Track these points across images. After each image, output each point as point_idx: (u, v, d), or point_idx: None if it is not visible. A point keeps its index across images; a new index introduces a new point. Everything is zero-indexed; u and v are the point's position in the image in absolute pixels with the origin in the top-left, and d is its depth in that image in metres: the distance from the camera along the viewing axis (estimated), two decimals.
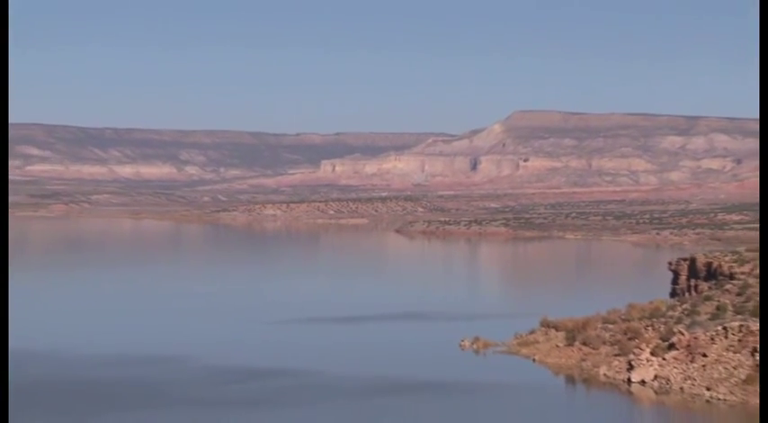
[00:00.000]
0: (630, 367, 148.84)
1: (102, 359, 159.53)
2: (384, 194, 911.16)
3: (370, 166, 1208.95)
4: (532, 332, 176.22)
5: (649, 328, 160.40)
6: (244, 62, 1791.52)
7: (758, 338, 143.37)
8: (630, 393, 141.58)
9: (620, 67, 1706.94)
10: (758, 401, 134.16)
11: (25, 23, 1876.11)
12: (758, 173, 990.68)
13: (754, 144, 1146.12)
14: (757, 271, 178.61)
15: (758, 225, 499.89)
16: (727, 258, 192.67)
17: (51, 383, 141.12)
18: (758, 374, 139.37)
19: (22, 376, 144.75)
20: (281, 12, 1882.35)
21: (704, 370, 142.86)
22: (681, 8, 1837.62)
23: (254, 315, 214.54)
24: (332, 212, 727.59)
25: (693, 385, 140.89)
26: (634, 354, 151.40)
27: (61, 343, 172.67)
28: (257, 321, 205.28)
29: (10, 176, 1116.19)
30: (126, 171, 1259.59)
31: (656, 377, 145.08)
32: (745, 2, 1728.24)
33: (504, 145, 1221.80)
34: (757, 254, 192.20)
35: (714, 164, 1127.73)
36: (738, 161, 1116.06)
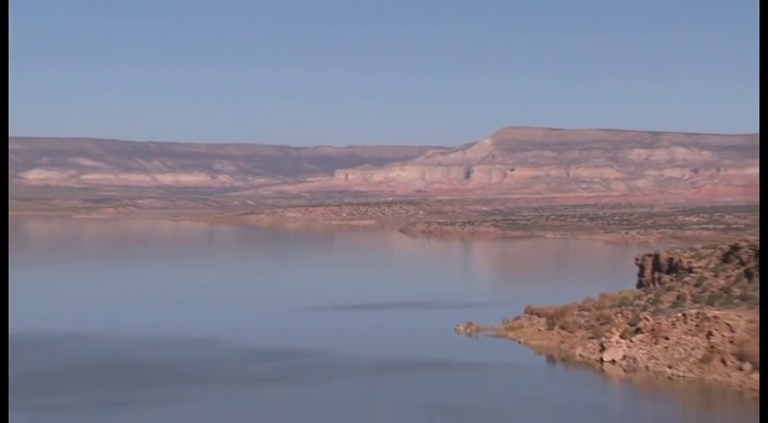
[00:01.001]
0: (602, 348, 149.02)
1: (148, 341, 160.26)
2: (390, 199, 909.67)
3: (378, 175, 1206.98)
4: (518, 318, 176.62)
5: (619, 314, 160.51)
6: (268, 83, 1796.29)
7: (715, 324, 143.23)
8: (602, 371, 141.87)
9: (594, 88, 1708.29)
10: (712, 378, 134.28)
11: (78, 47, 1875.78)
12: (713, 181, 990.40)
13: (709, 156, 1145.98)
14: (712, 265, 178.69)
15: (711, 226, 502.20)
16: (686, 254, 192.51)
17: (106, 362, 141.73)
18: (714, 356, 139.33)
19: (81, 356, 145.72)
20: (302, 40, 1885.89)
21: (666, 351, 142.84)
22: (646, 38, 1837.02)
23: (278, 303, 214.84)
24: (344, 215, 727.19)
25: (657, 364, 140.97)
26: (605, 337, 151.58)
27: (113, 327, 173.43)
28: (281, 309, 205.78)
29: (67, 184, 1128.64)
30: (167, 179, 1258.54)
31: (624, 357, 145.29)
32: (706, 28, 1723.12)
33: (493, 156, 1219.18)
34: (713, 250, 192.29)
35: (674, 173, 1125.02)
36: (695, 171, 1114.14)
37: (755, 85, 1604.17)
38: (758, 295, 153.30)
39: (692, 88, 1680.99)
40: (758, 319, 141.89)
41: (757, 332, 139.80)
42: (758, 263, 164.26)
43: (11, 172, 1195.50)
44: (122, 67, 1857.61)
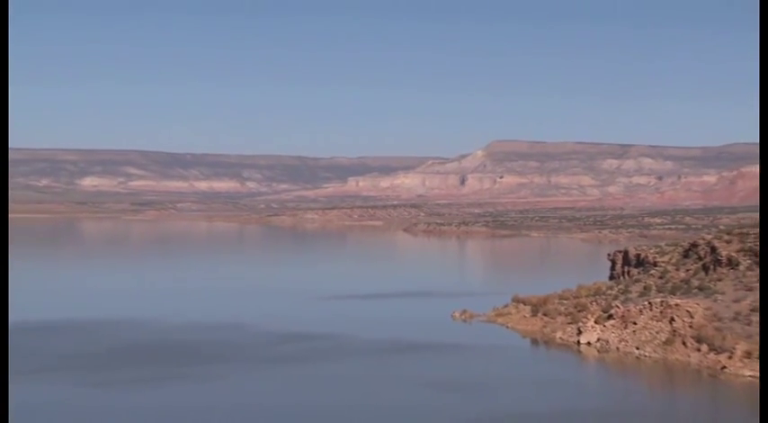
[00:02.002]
0: (579, 332, 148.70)
1: (184, 326, 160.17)
2: (395, 203, 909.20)
3: (385, 182, 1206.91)
4: (506, 306, 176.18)
5: (593, 303, 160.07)
6: (290, 101, 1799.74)
7: (677, 311, 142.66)
8: (579, 352, 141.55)
9: (572, 107, 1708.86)
10: (674, 358, 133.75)
11: (125, 68, 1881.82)
12: (674, 187, 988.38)
13: (671, 166, 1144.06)
14: (674, 260, 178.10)
15: (673, 226, 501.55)
16: (651, 251, 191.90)
17: (149, 344, 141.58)
18: (676, 339, 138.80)
19: (127, 339, 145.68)
20: (319, 63, 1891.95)
21: (634, 334, 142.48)
22: (617, 62, 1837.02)
23: (298, 293, 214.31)
24: (356, 216, 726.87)
25: (626, 346, 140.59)
26: (582, 322, 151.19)
27: (155, 314, 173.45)
28: (301, 298, 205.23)
29: (116, 189, 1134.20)
30: (202, 185, 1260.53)
31: (598, 340, 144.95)
32: (669, 53, 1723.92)
33: (485, 166, 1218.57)
34: (675, 247, 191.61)
35: (641, 180, 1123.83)
36: (660, 178, 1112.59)
37: (711, 102, 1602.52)
38: (714, 286, 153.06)
39: (657, 106, 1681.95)
40: (712, 306, 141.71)
41: (714, 319, 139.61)
42: (713, 258, 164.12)
43: (68, 179, 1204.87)
44: (163, 87, 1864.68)
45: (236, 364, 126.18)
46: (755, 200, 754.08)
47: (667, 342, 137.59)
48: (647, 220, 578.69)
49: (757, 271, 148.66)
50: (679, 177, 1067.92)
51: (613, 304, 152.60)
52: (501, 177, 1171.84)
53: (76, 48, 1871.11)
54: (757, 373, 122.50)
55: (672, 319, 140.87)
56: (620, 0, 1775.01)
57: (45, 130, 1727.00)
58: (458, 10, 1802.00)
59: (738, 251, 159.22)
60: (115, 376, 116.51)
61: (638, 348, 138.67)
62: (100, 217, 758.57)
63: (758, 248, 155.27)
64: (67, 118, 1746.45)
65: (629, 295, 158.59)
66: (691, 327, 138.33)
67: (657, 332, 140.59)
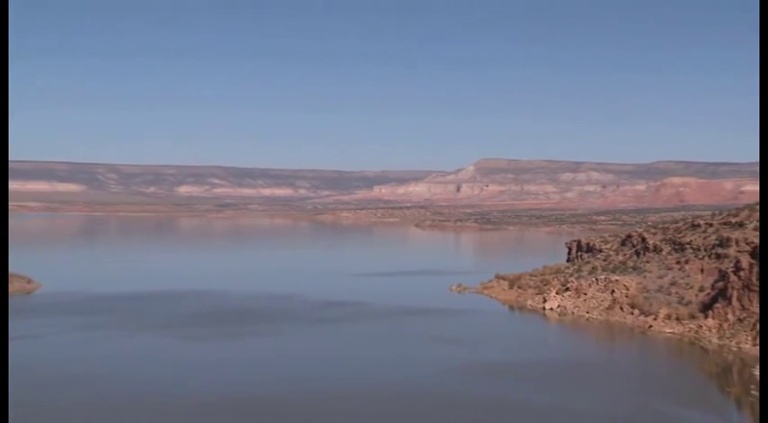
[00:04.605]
0: (544, 300, 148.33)
1: (252, 295, 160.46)
2: (408, 205, 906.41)
3: (401, 189, 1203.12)
4: (490, 281, 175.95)
5: (555, 279, 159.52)
6: (330, 128, 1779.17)
7: (616, 285, 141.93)
8: (544, 315, 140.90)
9: (540, 132, 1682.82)
10: (615, 319, 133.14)
11: (204, 93, 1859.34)
12: (614, 193, 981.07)
13: (612, 177, 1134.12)
14: (614, 247, 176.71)
15: (613, 222, 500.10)
16: (598, 240, 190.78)
17: (226, 309, 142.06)
18: (615, 305, 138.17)
19: (209, 306, 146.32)
20: (352, 95, 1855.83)
21: (585, 302, 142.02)
22: (572, 94, 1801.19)
23: (335, 271, 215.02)
24: (379, 215, 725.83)
25: (579, 310, 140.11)
26: (546, 293, 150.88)
27: (230, 287, 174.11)
28: (338, 275, 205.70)
29: (204, 195, 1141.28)
30: (266, 192, 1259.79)
31: (558, 306, 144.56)
32: (610, 83, 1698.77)
33: (475, 178, 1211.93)
34: (615, 238, 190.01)
35: (590, 188, 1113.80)
36: (604, 187, 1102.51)
37: (641, 128, 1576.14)
38: (644, 266, 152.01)
39: (602, 132, 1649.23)
40: (642, 281, 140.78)
41: (644, 291, 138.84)
42: (643, 246, 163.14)
43: (169, 187, 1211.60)
44: (238, 111, 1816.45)
45: (291, 323, 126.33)
46: (674, 203, 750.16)
47: (609, 308, 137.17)
48: (594, 217, 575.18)
49: (676, 255, 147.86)
50: (618, 186, 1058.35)
51: (569, 280, 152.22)
52: (487, 186, 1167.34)
53: (164, 86, 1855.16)
54: (676, 331, 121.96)
55: (613, 291, 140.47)
56: (575, 49, 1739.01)
57: (152, 150, 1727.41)
58: (450, 58, 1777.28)
59: (662, 240, 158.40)
60: (201, 332, 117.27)
61: (587, 312, 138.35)
62: (191, 215, 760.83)
63: (677, 238, 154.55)
64: (168, 140, 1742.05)
65: (581, 273, 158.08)
66: (626, 297, 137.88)
67: (602, 301, 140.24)
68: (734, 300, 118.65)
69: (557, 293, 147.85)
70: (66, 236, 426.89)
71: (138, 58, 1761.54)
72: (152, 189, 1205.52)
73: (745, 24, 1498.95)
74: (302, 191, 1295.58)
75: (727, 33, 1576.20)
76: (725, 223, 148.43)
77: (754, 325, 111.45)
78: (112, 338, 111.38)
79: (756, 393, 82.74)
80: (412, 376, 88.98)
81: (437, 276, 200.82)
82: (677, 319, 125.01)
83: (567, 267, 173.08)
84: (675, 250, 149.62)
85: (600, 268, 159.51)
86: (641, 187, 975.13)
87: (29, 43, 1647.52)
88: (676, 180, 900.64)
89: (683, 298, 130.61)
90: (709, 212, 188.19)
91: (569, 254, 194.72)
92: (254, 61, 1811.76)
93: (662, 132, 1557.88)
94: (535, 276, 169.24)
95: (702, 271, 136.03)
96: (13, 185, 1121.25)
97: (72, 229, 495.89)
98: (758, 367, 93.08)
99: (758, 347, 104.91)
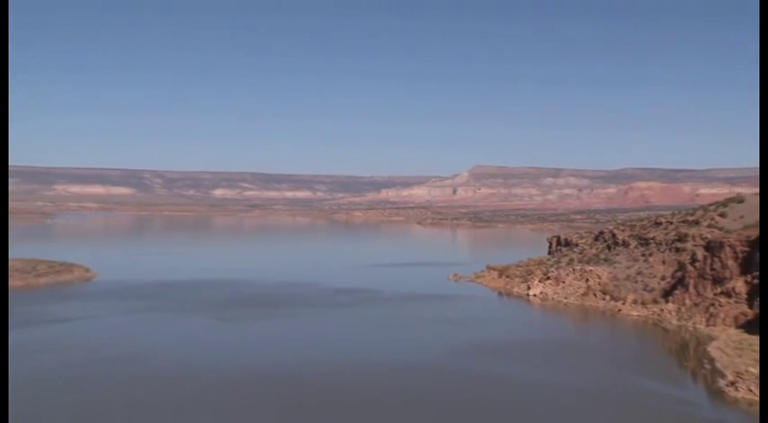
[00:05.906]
0: (529, 288, 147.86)
1: (276, 284, 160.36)
2: (411, 206, 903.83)
3: (405, 192, 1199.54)
4: (482, 271, 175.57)
5: (537, 269, 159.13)
6: (344, 137, 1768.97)
7: (590, 274, 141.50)
8: (529, 300, 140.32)
9: (525, 142, 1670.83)
10: (589, 304, 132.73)
11: (234, 105, 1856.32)
12: (589, 196, 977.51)
13: (587, 182, 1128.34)
14: (589, 242, 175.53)
15: (588, 221, 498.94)
16: (574, 236, 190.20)
17: (254, 295, 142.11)
18: (590, 292, 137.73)
19: (239, 292, 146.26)
20: (363, 107, 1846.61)
21: (563, 289, 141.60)
22: (553, 105, 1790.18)
23: (347, 262, 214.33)
24: (386, 214, 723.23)
25: (558, 296, 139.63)
26: (530, 281, 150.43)
27: (257, 276, 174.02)
28: (349, 265, 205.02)
29: (235, 197, 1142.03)
30: (289, 194, 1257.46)
31: (541, 292, 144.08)
32: (584, 98, 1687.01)
33: (469, 182, 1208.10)
34: (589, 234, 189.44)
35: (568, 191, 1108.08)
36: (580, 190, 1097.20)
37: (611, 137, 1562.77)
38: (614, 258, 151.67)
39: (577, 141, 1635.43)
40: (612, 271, 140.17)
41: (614, 279, 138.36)
42: (613, 241, 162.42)
43: (206, 190, 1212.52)
44: (264, 124, 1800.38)
45: (309, 308, 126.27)
46: (640, 204, 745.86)
47: (584, 294, 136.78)
48: (572, 216, 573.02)
49: (642, 249, 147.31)
50: (592, 190, 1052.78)
51: (550, 270, 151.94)
52: (479, 189, 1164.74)
53: (202, 102, 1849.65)
54: (642, 314, 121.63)
55: (587, 280, 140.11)
56: (556, 68, 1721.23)
57: (191, 158, 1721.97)
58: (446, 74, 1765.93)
59: (629, 236, 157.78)
60: (234, 314, 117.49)
61: (566, 298, 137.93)
62: (225, 215, 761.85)
63: (642, 234, 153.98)
64: (205, 150, 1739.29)
65: (561, 264, 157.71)
66: (599, 284, 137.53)
67: (578, 288, 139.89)
68: (690, 287, 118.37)
69: (539, 282, 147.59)
70: (118, 232, 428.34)
71: (182, 77, 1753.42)
72: (191, 192, 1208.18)
73: (706, 43, 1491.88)
74: (320, 193, 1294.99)
75: (687, 52, 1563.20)
76: (683, 221, 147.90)
77: (707, 308, 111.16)
78: (158, 321, 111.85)
79: (709, 367, 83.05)
80: (418, 354, 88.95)
81: (436, 267, 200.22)
82: (642, 303, 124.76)
83: (549, 259, 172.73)
84: (641, 244, 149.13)
85: (576, 260, 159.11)
86: (612, 190, 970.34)
87: (93, 59, 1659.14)
88: (642, 184, 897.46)
89: (647, 285, 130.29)
90: (670, 212, 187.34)
91: (550, 248, 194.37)
92: (278, 78, 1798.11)
93: (630, 142, 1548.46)
94: (521, 267, 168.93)
95: (664, 262, 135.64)
96: (74, 189, 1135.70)
97: (123, 226, 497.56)
98: (712, 345, 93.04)
99: (714, 329, 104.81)
